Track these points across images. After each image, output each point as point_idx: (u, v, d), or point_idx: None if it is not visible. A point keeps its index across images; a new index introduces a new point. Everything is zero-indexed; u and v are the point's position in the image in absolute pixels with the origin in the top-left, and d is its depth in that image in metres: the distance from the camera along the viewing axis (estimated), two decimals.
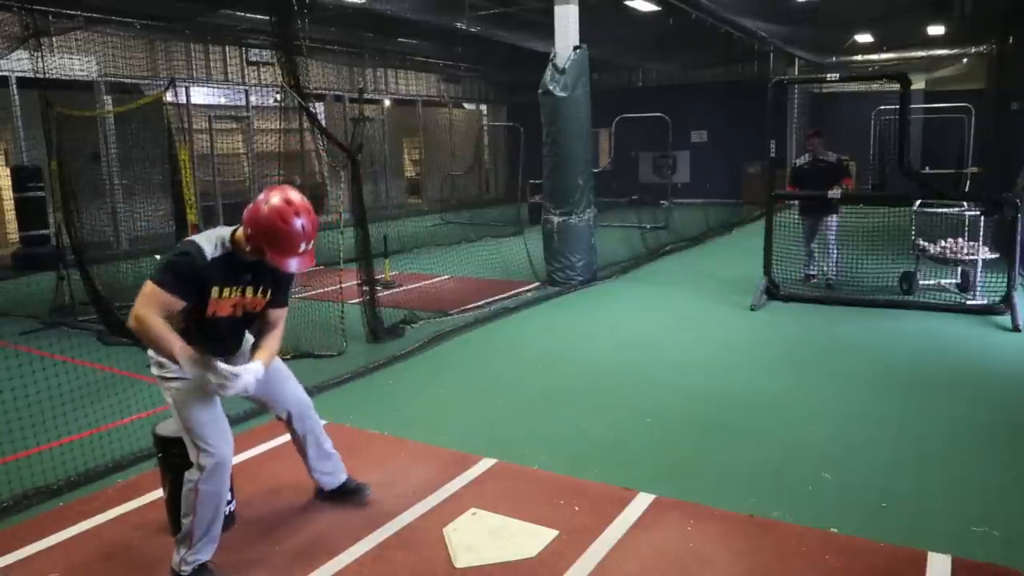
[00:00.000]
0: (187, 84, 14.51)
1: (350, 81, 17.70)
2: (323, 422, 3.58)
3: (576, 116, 8.85)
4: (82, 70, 11.98)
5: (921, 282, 7.99)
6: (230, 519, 3.42)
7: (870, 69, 17.86)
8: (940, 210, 7.95)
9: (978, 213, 7.45)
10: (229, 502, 3.40)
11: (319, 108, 15.38)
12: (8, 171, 11.93)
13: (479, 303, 8.10)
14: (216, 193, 15.05)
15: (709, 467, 4.03)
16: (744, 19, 13.42)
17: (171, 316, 2.85)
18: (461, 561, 3.13)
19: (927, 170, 15.83)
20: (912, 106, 10.71)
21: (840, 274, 8.66)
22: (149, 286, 2.77)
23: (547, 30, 9.68)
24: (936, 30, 16.45)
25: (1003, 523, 3.35)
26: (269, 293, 3.07)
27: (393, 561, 3.16)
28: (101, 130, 12.18)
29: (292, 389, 3.43)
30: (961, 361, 5.79)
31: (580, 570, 3.07)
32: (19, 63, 9.55)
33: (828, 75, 12.60)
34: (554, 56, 8.89)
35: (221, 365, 2.84)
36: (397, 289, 9.10)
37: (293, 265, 2.90)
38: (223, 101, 15.59)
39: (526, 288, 8.94)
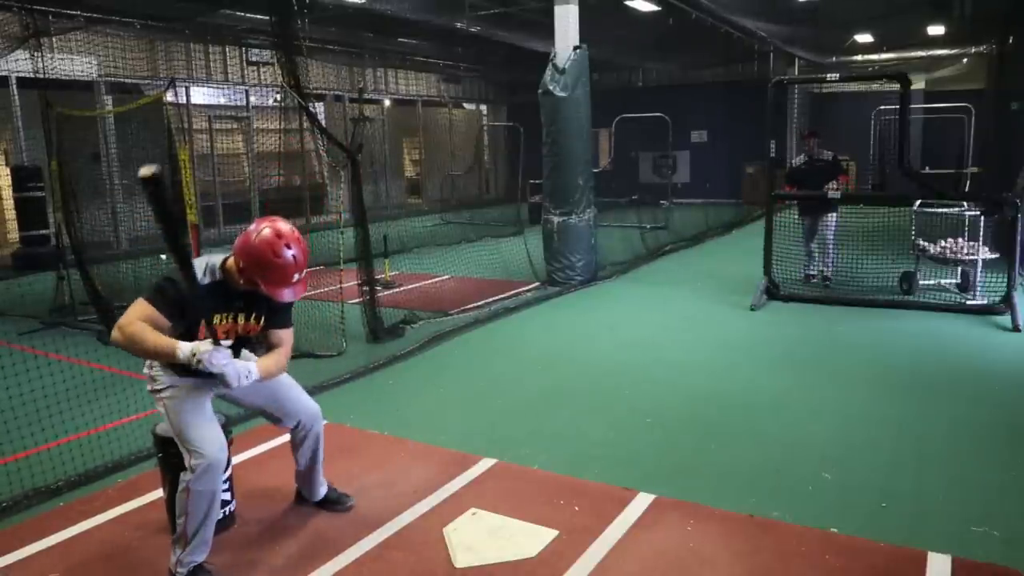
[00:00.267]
0: (187, 84, 14.51)
1: (350, 81, 17.70)
2: (323, 422, 3.57)
3: (576, 116, 8.85)
4: (82, 70, 11.97)
5: (921, 282, 7.99)
6: (230, 519, 3.42)
7: (870, 69, 17.87)
8: (940, 210, 7.95)
9: (978, 213, 7.45)
10: (229, 502, 3.41)
11: (319, 108, 15.39)
12: (8, 171, 11.93)
13: (479, 303, 8.10)
14: (216, 193, 15.05)
15: (709, 467, 4.03)
16: (744, 19, 13.42)
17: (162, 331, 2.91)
18: (461, 561, 3.13)
19: (927, 170, 15.84)
20: (912, 106, 10.72)
21: (836, 273, 8.67)
22: (137, 302, 2.87)
23: (547, 30, 9.68)
24: (936, 30, 16.45)
25: (1003, 523, 3.35)
26: (264, 319, 3.11)
27: (393, 561, 3.16)
28: (101, 130, 12.17)
29: (301, 397, 3.44)
30: (961, 361, 5.79)
31: (580, 570, 3.07)
32: (19, 63, 9.55)
33: (828, 75, 12.61)
34: (554, 56, 8.89)
35: (204, 345, 2.84)
36: (397, 289, 9.10)
37: (287, 295, 2.97)
38: (223, 101, 15.59)
39: (526, 288, 8.94)
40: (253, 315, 3.09)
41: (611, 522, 3.42)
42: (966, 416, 4.64)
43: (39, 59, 7.64)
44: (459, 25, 13.17)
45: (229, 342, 2.97)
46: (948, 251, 7.68)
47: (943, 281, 8.12)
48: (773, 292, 7.99)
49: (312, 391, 4.48)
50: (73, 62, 11.80)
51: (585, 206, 9.01)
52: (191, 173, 8.16)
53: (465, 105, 22.28)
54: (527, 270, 9.57)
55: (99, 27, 11.98)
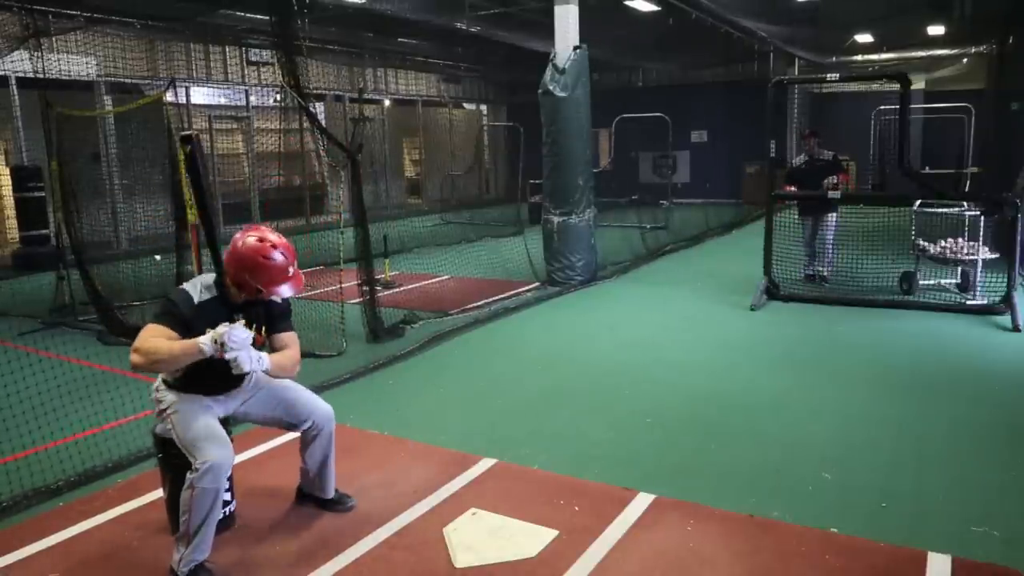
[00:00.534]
0: (187, 84, 14.51)
1: (350, 81, 17.70)
2: (334, 423, 3.57)
3: (576, 116, 8.85)
4: (82, 71, 11.97)
5: (921, 282, 7.99)
6: (230, 519, 3.42)
7: (870, 69, 17.87)
8: (940, 210, 7.95)
9: (978, 213, 7.45)
10: (229, 502, 3.41)
11: (319, 108, 15.40)
12: (8, 171, 11.93)
13: (479, 303, 8.10)
14: (216, 193, 15.05)
15: (709, 467, 4.03)
16: (744, 19, 13.43)
17: None
18: (461, 561, 3.13)
19: (927, 170, 15.84)
20: (912, 106, 10.72)
21: (836, 273, 8.68)
22: (145, 327, 2.98)
23: (547, 30, 9.68)
24: (936, 30, 16.45)
25: (1003, 523, 3.35)
26: (265, 328, 3.20)
27: (393, 561, 3.16)
28: (101, 130, 12.18)
29: (313, 398, 3.49)
30: (961, 361, 5.79)
31: (580, 570, 3.07)
32: (19, 63, 9.56)
33: (828, 75, 12.60)
34: (554, 56, 8.89)
35: (222, 327, 2.92)
36: (397, 289, 9.10)
37: (287, 291, 3.09)
38: (223, 101, 15.59)
39: (526, 288, 8.94)
40: (253, 325, 3.16)
41: (611, 522, 3.42)
42: (966, 416, 4.64)
43: (39, 59, 7.64)
44: (459, 25, 13.17)
45: (243, 323, 3.02)
46: (948, 251, 7.68)
47: (943, 281, 8.12)
48: (773, 292, 7.99)
49: (312, 391, 4.47)
50: (73, 62, 11.81)
51: (585, 206, 9.01)
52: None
53: (465, 105, 22.28)
54: (527, 270, 9.57)
55: (99, 27, 11.98)
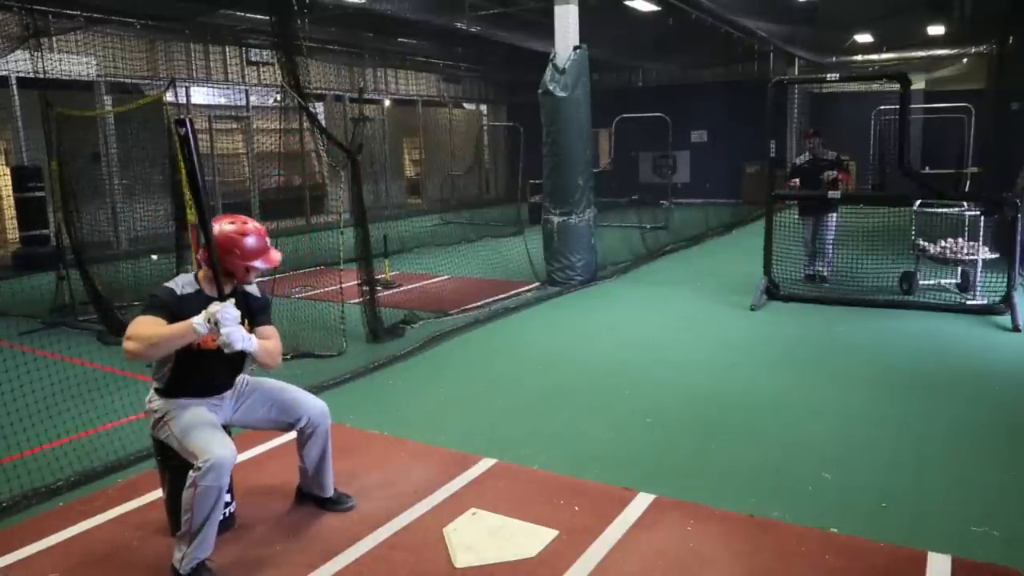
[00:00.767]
0: (187, 84, 14.51)
1: (350, 81, 17.70)
2: (330, 420, 3.57)
3: (576, 116, 8.84)
4: (82, 71, 11.97)
5: (921, 282, 7.99)
6: (230, 520, 3.42)
7: (870, 69, 17.86)
8: (940, 210, 7.96)
9: (978, 213, 7.45)
10: (229, 503, 3.41)
11: (319, 108, 15.39)
12: (8, 171, 11.93)
13: (479, 303, 8.10)
14: (216, 193, 15.05)
15: (709, 467, 4.03)
16: (744, 19, 13.43)
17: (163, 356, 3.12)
18: (461, 561, 3.13)
19: (927, 170, 15.83)
20: (912, 106, 10.72)
21: (836, 273, 8.68)
22: (135, 319, 3.02)
23: (547, 30, 9.68)
24: (936, 30, 16.45)
25: (1003, 523, 3.35)
26: (246, 322, 3.21)
27: (393, 561, 3.16)
28: (101, 130, 12.18)
29: (307, 396, 3.52)
30: (961, 361, 5.79)
31: (580, 570, 3.07)
32: (19, 63, 9.56)
33: (828, 75, 12.60)
34: (554, 56, 8.89)
35: (214, 306, 2.97)
36: (397, 289, 9.10)
37: (274, 258, 3.26)
38: (223, 101, 15.59)
39: (526, 288, 8.94)
40: (240, 319, 3.14)
41: (611, 522, 3.42)
42: (966, 416, 4.64)
43: (39, 59, 7.64)
44: (459, 25, 13.16)
45: (233, 301, 3.06)
46: (948, 251, 7.68)
47: (943, 281, 8.12)
48: (773, 292, 7.99)
49: (312, 391, 4.47)
50: (73, 62, 11.81)
51: (585, 206, 9.01)
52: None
53: (465, 105, 22.28)
54: (527, 270, 9.57)
55: (99, 27, 11.98)
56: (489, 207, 18.95)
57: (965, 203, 7.92)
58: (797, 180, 8.80)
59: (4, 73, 11.17)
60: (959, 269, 7.90)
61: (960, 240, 7.65)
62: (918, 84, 16.86)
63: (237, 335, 2.94)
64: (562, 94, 8.71)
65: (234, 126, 16.50)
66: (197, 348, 3.10)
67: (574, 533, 3.33)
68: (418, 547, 3.26)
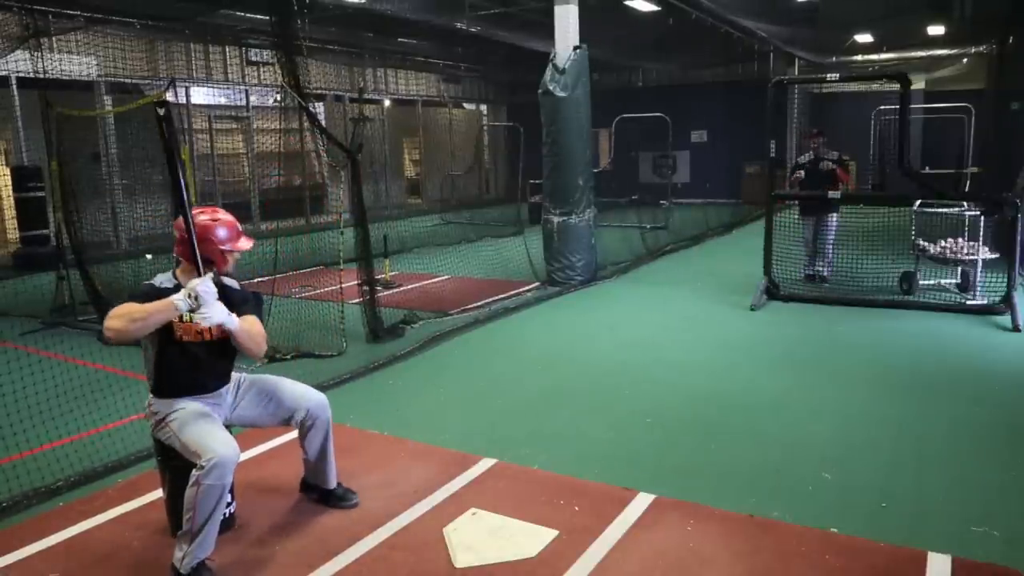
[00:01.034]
0: (187, 84, 14.51)
1: (350, 81, 17.70)
2: (330, 411, 3.57)
3: (576, 116, 8.84)
4: (82, 70, 11.97)
5: (921, 282, 7.99)
6: (230, 520, 3.42)
7: (870, 69, 17.86)
8: (940, 210, 7.96)
9: (978, 213, 7.45)
10: (229, 504, 3.41)
11: (319, 108, 15.39)
12: (8, 171, 11.93)
13: (479, 303, 8.10)
14: (216, 193, 15.06)
15: (709, 467, 4.03)
16: (744, 19, 13.43)
17: (145, 348, 3.20)
18: (461, 561, 3.13)
19: (927, 170, 15.83)
20: (912, 106, 10.71)
21: (836, 273, 8.69)
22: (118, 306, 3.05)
23: (547, 30, 9.68)
24: (936, 30, 16.45)
25: (1003, 523, 3.35)
26: None
27: (393, 561, 3.16)
28: (101, 130, 12.18)
29: (305, 388, 3.54)
30: (961, 361, 5.79)
31: (580, 570, 3.07)
32: (19, 63, 9.55)
33: (828, 75, 12.62)
34: (554, 56, 8.89)
35: (192, 281, 3.03)
36: (397, 289, 9.10)
37: (244, 244, 3.34)
38: (223, 101, 15.59)
39: (526, 288, 8.94)
40: None
41: (611, 522, 3.42)
42: (966, 416, 4.64)
43: (39, 59, 7.64)
44: (459, 25, 13.17)
45: (211, 276, 3.12)
46: (948, 251, 7.68)
47: (943, 281, 8.12)
48: (773, 292, 7.99)
49: None
50: (73, 62, 11.81)
51: (585, 206, 9.01)
52: (191, 173, 8.16)
53: (465, 105, 22.28)
54: (527, 270, 9.57)
55: (99, 27, 11.97)
56: (489, 207, 18.95)
57: (965, 203, 7.92)
58: (802, 171, 8.80)
59: (4, 73, 11.17)
60: (959, 269, 7.90)
61: (960, 240, 7.65)
62: (918, 84, 16.85)
63: (216, 308, 2.98)
64: (562, 94, 8.71)
65: (234, 126, 16.50)
66: (180, 339, 3.13)
67: (574, 533, 3.33)
68: (418, 547, 3.26)
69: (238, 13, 12.48)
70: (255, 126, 15.50)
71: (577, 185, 8.94)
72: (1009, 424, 4.52)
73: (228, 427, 3.29)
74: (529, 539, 3.29)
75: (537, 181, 11.08)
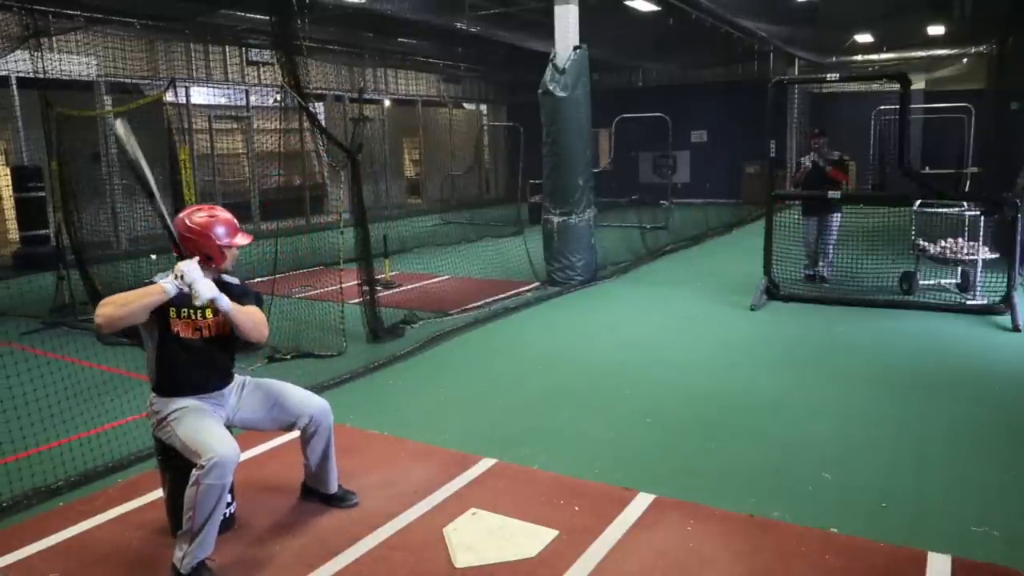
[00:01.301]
0: (187, 84, 14.51)
1: (350, 81, 17.70)
2: (332, 417, 3.57)
3: (576, 116, 8.84)
4: (82, 71, 11.97)
5: (921, 282, 7.99)
6: (230, 520, 3.42)
7: (870, 69, 17.87)
8: (940, 210, 7.95)
9: (978, 213, 7.45)
10: (229, 504, 3.41)
11: (319, 108, 15.39)
12: (8, 171, 11.93)
13: (479, 303, 8.10)
14: (216, 193, 15.05)
15: (709, 467, 4.03)
16: (744, 19, 13.43)
17: (145, 346, 3.22)
18: (461, 561, 3.13)
19: (927, 170, 15.84)
20: (912, 106, 10.72)
21: (836, 273, 8.68)
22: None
23: (547, 30, 9.68)
24: (936, 30, 16.45)
25: (1003, 523, 3.35)
26: None
27: (393, 561, 3.16)
28: (101, 130, 12.19)
29: (307, 394, 3.54)
30: (961, 361, 5.79)
31: (580, 570, 3.07)
32: (19, 63, 9.55)
33: (828, 75, 12.61)
34: (554, 56, 8.89)
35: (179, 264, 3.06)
36: (397, 289, 9.10)
37: (242, 239, 3.32)
38: (223, 101, 15.59)
39: (526, 288, 8.94)
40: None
41: (611, 522, 3.42)
42: (966, 416, 4.64)
43: (39, 59, 7.64)
44: (459, 25, 13.16)
45: (197, 259, 3.14)
46: (948, 251, 7.68)
47: (943, 281, 8.12)
48: (773, 292, 7.99)
49: (312, 391, 4.47)
50: (73, 62, 11.81)
51: (585, 206, 9.01)
52: (191, 173, 8.16)
53: (465, 105, 22.28)
54: (527, 270, 9.57)
55: (99, 27, 11.97)
56: (489, 207, 18.95)
57: (965, 203, 7.92)
58: (807, 162, 8.80)
59: (4, 73, 11.17)
60: (959, 269, 7.90)
61: (960, 240, 7.65)
62: (918, 84, 16.86)
63: (205, 285, 3.00)
64: (562, 94, 8.71)
65: (234, 126, 16.49)
66: (177, 335, 3.15)
67: (574, 533, 3.33)
68: (418, 547, 3.26)
69: (238, 13, 12.48)
70: (255, 126, 15.50)
71: (577, 185, 8.94)
72: (1009, 424, 4.52)
73: (228, 428, 3.29)
74: (529, 539, 3.29)
75: (537, 181, 11.08)
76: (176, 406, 3.16)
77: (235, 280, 3.41)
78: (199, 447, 2.99)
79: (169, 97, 7.97)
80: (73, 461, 4.12)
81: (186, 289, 2.99)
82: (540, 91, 8.90)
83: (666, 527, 3.38)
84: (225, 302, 3.08)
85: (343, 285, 6.79)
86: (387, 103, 19.33)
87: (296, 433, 3.55)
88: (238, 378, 3.44)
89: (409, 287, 9.25)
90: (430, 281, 9.64)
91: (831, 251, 8.79)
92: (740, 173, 18.86)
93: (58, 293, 7.94)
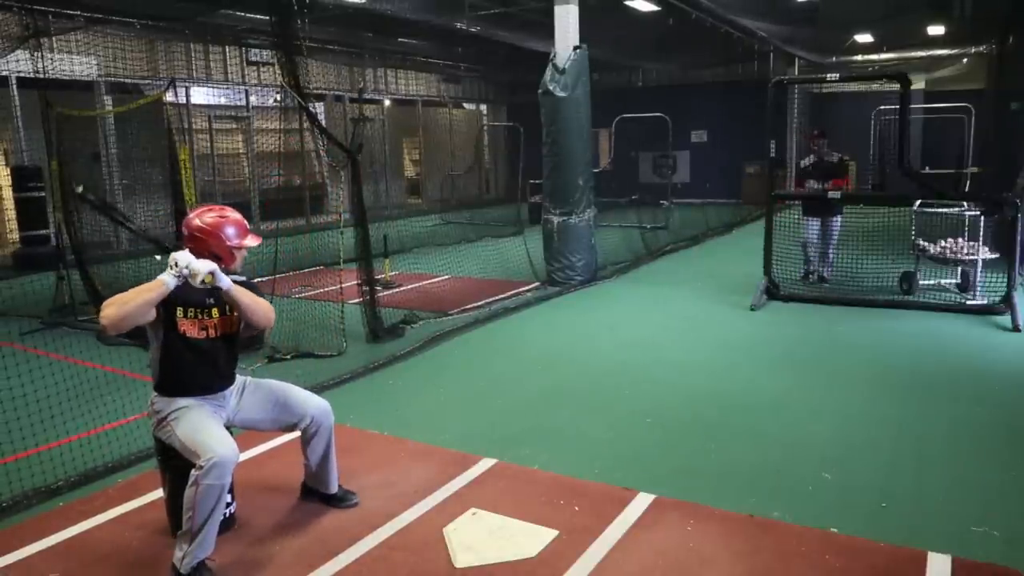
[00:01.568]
0: (187, 84, 14.51)
1: (350, 81, 17.70)
2: (332, 418, 3.57)
3: (576, 116, 8.84)
4: (82, 70, 11.97)
5: (921, 282, 7.99)
6: (230, 520, 3.42)
7: (870, 69, 17.86)
8: (940, 210, 7.96)
9: (978, 213, 7.45)
10: (229, 504, 3.41)
11: (319, 108, 15.39)
12: (8, 171, 11.93)
13: (479, 303, 8.10)
14: (216, 193, 15.05)
15: (709, 467, 4.03)
16: (744, 19, 13.43)
17: (151, 344, 3.22)
18: (461, 561, 3.13)
19: (927, 170, 15.83)
20: (912, 106, 10.71)
21: (836, 273, 8.67)
22: None
23: (547, 30, 9.68)
24: (936, 30, 16.46)
25: (1003, 523, 3.36)
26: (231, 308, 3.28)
27: (393, 561, 3.16)
28: (101, 130, 12.19)
29: (308, 395, 3.55)
30: (961, 361, 5.79)
31: (580, 570, 3.07)
32: (19, 63, 9.55)
33: (828, 75, 12.59)
34: (554, 56, 8.89)
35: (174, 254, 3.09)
36: (397, 289, 9.10)
37: (252, 241, 3.35)
38: (223, 101, 15.59)
39: (526, 288, 8.94)
40: (227, 307, 3.26)
41: (611, 522, 3.42)
42: (966, 416, 4.64)
43: (39, 59, 7.64)
44: (459, 25, 13.16)
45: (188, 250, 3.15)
46: (948, 251, 7.68)
47: (943, 281, 8.12)
48: (773, 292, 7.99)
49: (312, 391, 4.47)
50: (73, 62, 11.81)
51: (585, 206, 9.01)
52: (191, 173, 8.17)
53: (465, 105, 22.28)
54: (527, 270, 9.57)
55: (99, 27, 11.98)
56: (489, 207, 18.95)
57: (965, 203, 7.92)
58: (808, 163, 8.77)
59: (4, 73, 11.17)
60: (959, 269, 7.90)
61: (960, 240, 7.65)
62: (918, 84, 16.85)
63: (200, 262, 3.03)
64: (562, 94, 8.71)
65: (234, 126, 16.49)
66: (184, 334, 3.16)
67: (574, 533, 3.33)
68: (418, 547, 3.26)
69: (238, 13, 12.47)
70: (255, 126, 15.50)
71: (577, 185, 8.94)
72: (1009, 424, 4.52)
73: (228, 428, 3.29)
74: (529, 539, 3.29)
75: (537, 181, 11.08)
76: (177, 406, 3.17)
77: (243, 279, 3.41)
78: (198, 447, 2.99)
79: (169, 97, 7.98)
80: (73, 461, 4.12)
81: (185, 272, 3.00)
82: (540, 91, 8.90)
83: (666, 527, 3.38)
84: (225, 280, 3.10)
85: (343, 285, 6.79)
86: (387, 103, 19.33)
87: (296, 433, 3.55)
88: (239, 379, 3.44)
89: (409, 287, 9.25)
90: (430, 281, 9.64)
91: (831, 252, 8.77)
92: (740, 173, 18.86)
93: (58, 293, 7.94)
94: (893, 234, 8.57)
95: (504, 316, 7.67)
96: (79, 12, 11.24)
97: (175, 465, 3.18)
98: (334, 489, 3.63)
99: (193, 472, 2.94)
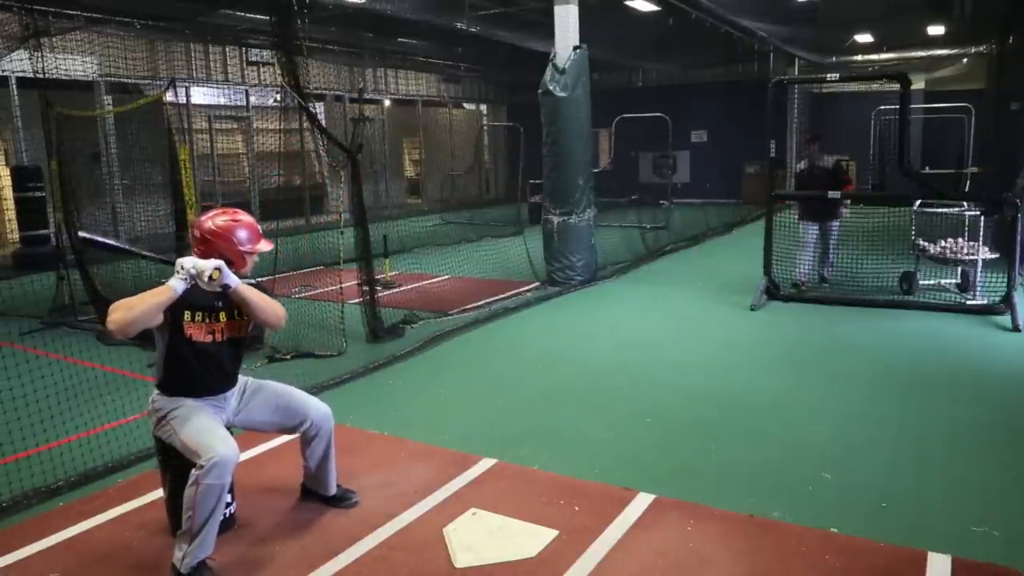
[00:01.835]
0: (187, 84, 14.51)
1: (350, 81, 17.70)
2: (333, 422, 3.57)
3: (576, 116, 8.84)
4: (82, 71, 11.96)
5: (921, 282, 7.99)
6: (230, 521, 3.42)
7: (870, 69, 17.86)
8: (940, 210, 7.96)
9: (978, 213, 7.46)
10: (229, 504, 3.41)
11: (319, 108, 15.39)
12: (8, 171, 11.93)
13: (479, 303, 8.10)
14: (216, 193, 15.05)
15: (709, 467, 4.03)
16: (744, 19, 13.43)
17: (157, 343, 3.21)
18: (461, 561, 3.13)
19: (927, 170, 15.83)
20: (912, 106, 10.71)
21: (836, 273, 8.65)
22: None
23: (547, 30, 9.68)
24: (936, 30, 16.45)
25: (1003, 523, 3.36)
26: (240, 312, 3.28)
27: (393, 561, 3.16)
28: (101, 130, 12.19)
29: (309, 398, 3.55)
30: (961, 361, 5.79)
31: (580, 570, 3.07)
32: (19, 63, 9.55)
33: (828, 75, 12.59)
34: (554, 56, 8.89)
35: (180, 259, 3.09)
36: (397, 289, 9.10)
37: (264, 246, 3.34)
38: (223, 101, 15.59)
39: (526, 288, 8.94)
40: (235, 311, 3.25)
41: (611, 522, 3.42)
42: (966, 416, 4.64)
43: (39, 59, 7.64)
44: (459, 25, 13.16)
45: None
46: (948, 251, 7.68)
47: (943, 281, 8.12)
48: (773, 292, 7.98)
49: (312, 391, 4.48)
50: (73, 62, 11.80)
51: (585, 206, 9.01)
52: (191, 173, 8.17)
53: (465, 105, 22.27)
54: (527, 270, 9.57)
55: (99, 27, 11.98)
56: (489, 207, 18.94)
57: (965, 203, 7.92)
58: (802, 167, 8.75)
59: (4, 73, 11.17)
60: (959, 269, 7.90)
61: (960, 240, 7.65)
62: (918, 84, 16.85)
63: (206, 262, 3.03)
64: (562, 94, 8.71)
65: (234, 126, 16.49)
66: (190, 338, 3.15)
67: (574, 533, 3.33)
68: (418, 547, 3.26)
69: (238, 13, 12.48)
70: (255, 126, 15.50)
71: (577, 185, 8.94)
72: (1009, 424, 4.52)
73: (228, 428, 3.30)
74: (529, 539, 3.29)
75: (537, 181, 11.08)
76: (177, 405, 3.17)
77: (252, 281, 3.41)
78: (199, 447, 2.99)
79: (169, 97, 7.98)
80: (73, 461, 4.12)
81: (192, 272, 2.99)
82: (540, 91, 8.90)
83: (666, 527, 3.38)
84: (232, 277, 3.09)
85: (343, 285, 6.79)
86: (387, 103, 19.33)
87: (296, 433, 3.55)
88: (240, 379, 3.44)
89: (409, 287, 9.25)
90: (430, 281, 9.64)
91: (831, 253, 8.73)
92: (740, 173, 18.86)
93: (58, 293, 7.94)
94: (893, 234, 8.57)
95: (504, 316, 7.67)
96: (79, 12, 11.24)
97: (175, 465, 3.18)
98: (332, 491, 3.63)
99: (193, 471, 2.94)
